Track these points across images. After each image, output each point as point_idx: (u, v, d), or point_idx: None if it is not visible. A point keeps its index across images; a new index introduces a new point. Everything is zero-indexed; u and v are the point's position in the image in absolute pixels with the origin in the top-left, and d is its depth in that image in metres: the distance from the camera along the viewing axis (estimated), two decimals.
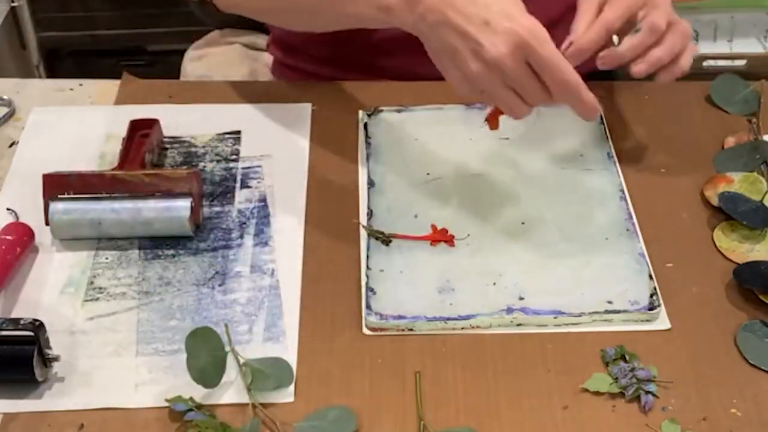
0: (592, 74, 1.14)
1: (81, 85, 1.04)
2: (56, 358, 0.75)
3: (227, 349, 0.76)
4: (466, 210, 0.89)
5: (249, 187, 0.92)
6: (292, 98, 1.02)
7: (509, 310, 0.79)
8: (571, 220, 0.88)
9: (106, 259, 0.85)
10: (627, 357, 0.77)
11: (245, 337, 0.78)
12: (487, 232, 0.86)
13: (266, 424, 0.72)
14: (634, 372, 0.75)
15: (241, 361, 0.75)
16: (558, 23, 0.83)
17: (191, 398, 0.73)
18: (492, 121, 0.84)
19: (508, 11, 0.72)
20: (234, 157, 0.95)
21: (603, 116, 0.98)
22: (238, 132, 0.98)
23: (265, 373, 0.74)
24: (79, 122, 0.98)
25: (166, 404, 0.73)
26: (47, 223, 0.85)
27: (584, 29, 0.81)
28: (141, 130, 0.93)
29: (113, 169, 0.88)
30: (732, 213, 0.87)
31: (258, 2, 0.93)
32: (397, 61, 1.04)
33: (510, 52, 0.72)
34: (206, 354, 0.74)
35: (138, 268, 0.84)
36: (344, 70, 1.07)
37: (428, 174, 0.92)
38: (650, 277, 0.82)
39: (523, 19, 0.72)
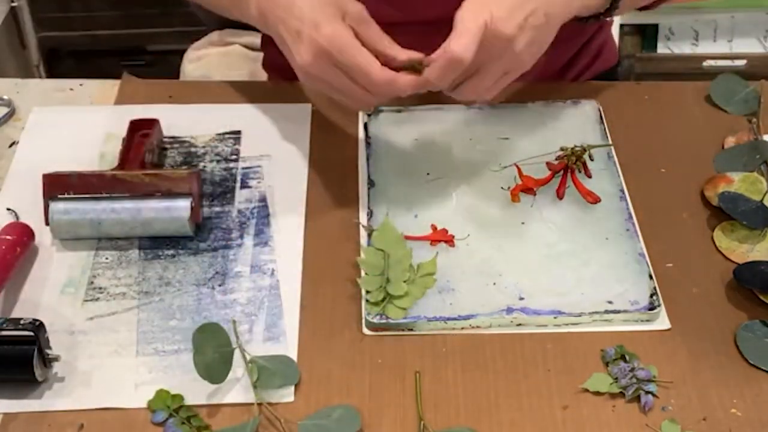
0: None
1: (81, 85, 1.04)
2: (56, 358, 0.75)
3: (234, 345, 0.76)
4: (466, 210, 0.89)
5: (249, 187, 0.92)
6: (292, 98, 1.02)
7: (509, 310, 0.79)
8: (571, 220, 0.88)
9: (106, 259, 0.85)
10: (627, 357, 0.77)
11: (245, 337, 0.78)
12: (487, 232, 0.86)
13: (271, 421, 0.72)
14: (634, 372, 0.75)
15: (248, 357, 0.76)
16: None
17: (173, 398, 0.73)
18: (514, 195, 0.90)
19: (315, 21, 0.77)
20: (234, 157, 0.95)
21: (603, 116, 0.98)
22: (238, 132, 0.98)
23: (271, 371, 0.75)
24: (79, 122, 0.98)
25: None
26: (47, 223, 0.85)
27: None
28: (141, 130, 0.93)
29: (113, 169, 0.88)
30: (732, 213, 0.87)
31: None
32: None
33: (313, 60, 0.77)
34: (213, 350, 0.74)
35: (138, 268, 0.84)
36: None
37: (428, 174, 0.92)
38: (650, 277, 0.82)
39: (327, 27, 0.76)
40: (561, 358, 0.77)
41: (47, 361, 0.75)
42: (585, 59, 1.12)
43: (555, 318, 0.79)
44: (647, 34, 1.71)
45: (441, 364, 0.77)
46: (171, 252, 0.86)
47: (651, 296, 0.81)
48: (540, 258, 0.84)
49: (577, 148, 0.93)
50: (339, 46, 0.76)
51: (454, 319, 0.79)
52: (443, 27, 1.03)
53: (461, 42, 0.77)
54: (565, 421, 0.73)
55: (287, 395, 0.74)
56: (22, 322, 0.74)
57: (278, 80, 1.14)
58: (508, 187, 0.91)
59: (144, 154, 0.90)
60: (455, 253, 0.85)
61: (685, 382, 0.76)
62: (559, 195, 0.90)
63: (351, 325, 0.80)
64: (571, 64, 1.11)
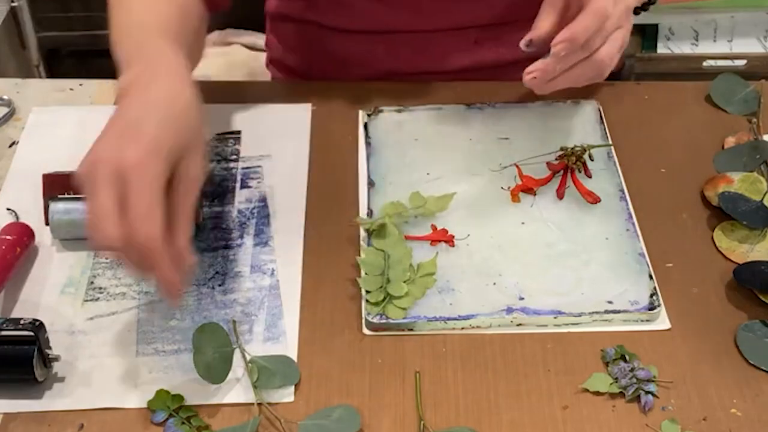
0: None
1: (81, 85, 1.04)
2: (56, 358, 0.75)
3: (234, 345, 0.76)
4: (466, 210, 0.89)
5: (249, 187, 0.92)
6: (292, 98, 1.02)
7: (509, 310, 0.79)
8: (571, 220, 0.88)
9: (106, 259, 0.85)
10: (627, 357, 0.77)
11: (245, 337, 0.78)
12: (487, 232, 0.86)
13: (271, 421, 0.72)
14: (634, 372, 0.75)
15: (248, 357, 0.75)
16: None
17: (173, 398, 0.73)
18: (514, 195, 0.89)
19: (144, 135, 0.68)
20: (234, 157, 0.95)
21: (603, 116, 0.98)
22: (238, 132, 0.98)
23: (271, 371, 0.75)
24: (79, 122, 0.98)
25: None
26: (47, 223, 0.85)
27: (547, 28, 0.82)
28: None
29: None
30: (732, 213, 0.87)
31: None
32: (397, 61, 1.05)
33: (88, 168, 0.68)
34: (213, 350, 0.74)
35: None
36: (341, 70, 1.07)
37: (428, 174, 0.92)
38: (650, 277, 0.82)
39: (139, 150, 0.67)
40: (561, 358, 0.77)
41: (47, 361, 0.75)
42: None
43: (555, 318, 0.79)
44: (647, 34, 1.71)
45: (441, 364, 0.77)
46: None
47: (651, 296, 0.81)
48: (540, 258, 0.84)
49: (577, 148, 0.93)
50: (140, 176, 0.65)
51: (454, 319, 0.79)
52: (460, 34, 1.03)
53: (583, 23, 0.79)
54: (565, 421, 0.73)
55: (287, 395, 0.74)
56: (22, 322, 0.74)
57: (281, 78, 1.15)
58: (508, 187, 0.91)
59: None
60: (455, 253, 0.85)
61: (685, 382, 0.76)
62: (559, 195, 0.90)
63: (351, 325, 0.80)
64: None
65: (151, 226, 0.65)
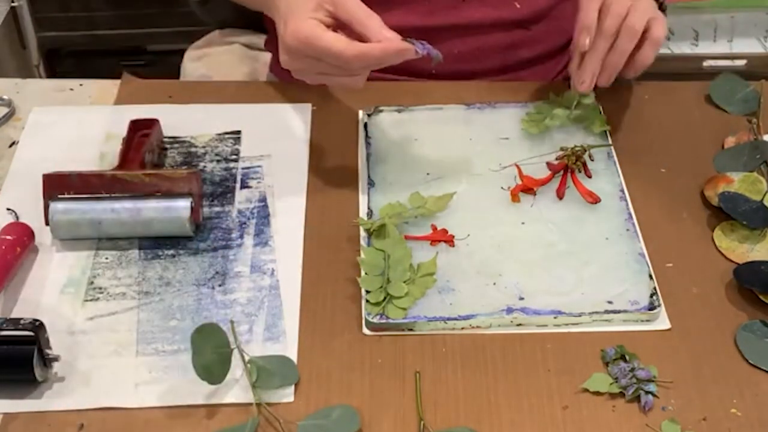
0: None
1: (81, 85, 1.04)
2: (56, 358, 0.75)
3: (233, 346, 0.76)
4: (466, 210, 0.89)
5: (249, 187, 0.92)
6: (292, 98, 1.02)
7: (509, 310, 0.79)
8: (571, 220, 0.88)
9: (106, 259, 0.85)
10: (627, 357, 0.77)
11: (245, 337, 0.79)
12: (487, 232, 0.86)
13: (270, 422, 0.72)
14: (634, 372, 0.75)
15: (247, 358, 0.75)
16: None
17: None
18: (514, 195, 0.89)
19: (285, 18, 0.81)
20: (234, 157, 0.95)
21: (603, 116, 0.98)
22: (238, 132, 0.98)
23: (270, 371, 0.75)
24: (79, 122, 0.98)
25: (166, 404, 0.73)
26: (47, 223, 0.85)
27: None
28: (141, 130, 0.93)
29: (113, 169, 0.88)
30: (732, 213, 0.87)
31: None
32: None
33: (288, 57, 0.82)
34: (212, 350, 0.74)
35: (138, 268, 0.84)
36: None
37: (428, 174, 0.92)
38: (650, 277, 0.82)
39: (291, 24, 0.80)
40: (561, 358, 0.77)
41: (47, 361, 0.75)
42: None
43: (555, 318, 0.79)
44: None
45: (441, 364, 0.77)
46: (171, 252, 0.86)
47: (651, 296, 0.81)
48: (540, 258, 0.84)
49: (577, 148, 0.93)
50: (302, 39, 0.79)
51: (454, 319, 0.79)
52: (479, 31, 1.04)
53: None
54: (565, 421, 0.73)
55: (287, 395, 0.74)
56: (22, 322, 0.74)
57: (280, 79, 1.14)
58: (508, 187, 0.91)
59: (144, 154, 0.90)
60: (455, 253, 0.85)
61: (685, 382, 0.76)
62: (559, 195, 0.90)
63: (351, 325, 0.80)
64: None
65: (333, 47, 0.78)
